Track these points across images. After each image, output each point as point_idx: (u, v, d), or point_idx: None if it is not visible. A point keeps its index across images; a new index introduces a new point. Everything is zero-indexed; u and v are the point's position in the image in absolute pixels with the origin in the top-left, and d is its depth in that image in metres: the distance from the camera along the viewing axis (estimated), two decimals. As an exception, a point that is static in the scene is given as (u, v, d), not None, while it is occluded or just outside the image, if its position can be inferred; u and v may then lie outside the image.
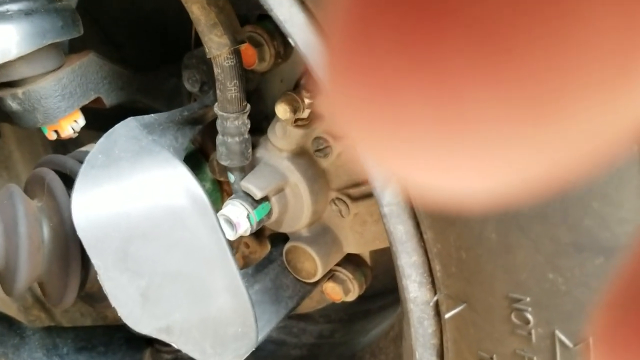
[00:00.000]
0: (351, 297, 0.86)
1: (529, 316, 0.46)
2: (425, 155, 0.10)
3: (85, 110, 0.76)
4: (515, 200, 0.11)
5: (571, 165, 0.10)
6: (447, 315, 0.51)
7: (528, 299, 0.45)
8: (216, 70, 0.63)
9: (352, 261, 0.85)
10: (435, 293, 0.53)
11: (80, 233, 0.58)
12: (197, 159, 0.85)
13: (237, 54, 0.62)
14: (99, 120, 0.79)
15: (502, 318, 0.48)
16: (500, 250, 0.45)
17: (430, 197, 0.11)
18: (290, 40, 0.48)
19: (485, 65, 0.09)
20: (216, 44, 0.61)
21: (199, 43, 0.68)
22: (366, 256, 0.86)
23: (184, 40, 0.84)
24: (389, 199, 0.51)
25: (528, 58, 0.09)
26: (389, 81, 0.10)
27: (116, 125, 0.62)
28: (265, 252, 0.89)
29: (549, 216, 0.41)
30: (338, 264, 0.83)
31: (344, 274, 0.84)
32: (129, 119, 0.63)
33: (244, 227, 0.70)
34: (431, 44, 0.09)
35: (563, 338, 0.44)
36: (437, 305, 0.53)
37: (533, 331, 0.46)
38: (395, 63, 0.10)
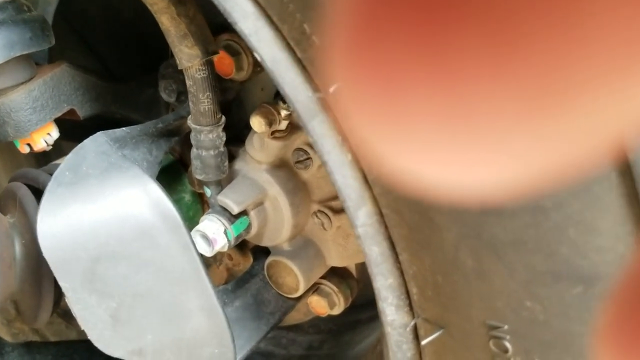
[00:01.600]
0: (337, 310, 0.84)
1: (508, 344, 0.44)
2: (431, 150, 0.11)
3: (66, 121, 0.74)
4: (519, 194, 0.11)
5: (575, 161, 0.10)
6: (424, 341, 0.49)
7: (506, 326, 0.43)
8: (188, 83, 0.61)
9: (337, 273, 0.83)
10: (413, 316, 0.51)
11: (46, 254, 0.56)
12: (177, 170, 0.83)
13: (209, 65, 0.60)
14: (79, 131, 0.77)
15: (480, 345, 0.45)
16: (475, 275, 0.43)
17: (437, 190, 0.11)
18: (257, 55, 0.46)
19: (490, 58, 0.09)
20: (187, 56, 0.59)
21: (175, 52, 0.66)
22: (352, 268, 0.84)
23: (162, 49, 0.81)
24: (363, 220, 0.49)
25: (534, 52, 0.09)
26: (395, 75, 0.10)
27: (85, 140, 0.60)
28: (249, 264, 0.87)
29: (525, 243, 0.39)
30: (323, 277, 0.81)
31: (329, 287, 0.82)
32: (99, 133, 0.61)
33: (221, 243, 0.68)
34: (437, 38, 0.10)
35: (542, 368, 0.42)
36: (415, 330, 0.51)
37: (512, 360, 0.44)
38: (401, 57, 0.10)
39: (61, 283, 0.57)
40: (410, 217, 0.45)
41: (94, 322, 0.58)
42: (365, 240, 0.49)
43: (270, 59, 0.45)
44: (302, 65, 0.44)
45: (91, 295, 0.57)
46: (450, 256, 0.43)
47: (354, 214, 0.49)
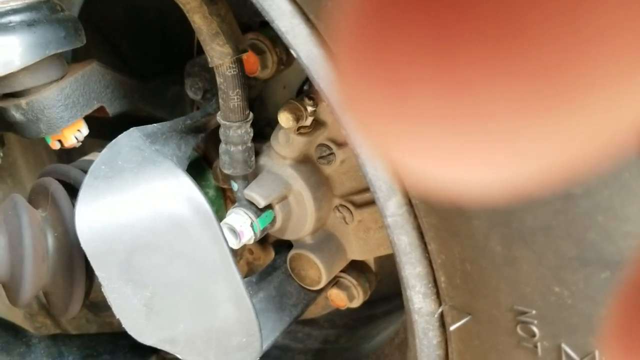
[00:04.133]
0: (356, 303, 0.86)
1: (535, 329, 0.46)
2: (438, 148, 0.11)
3: (90, 119, 0.76)
4: (525, 192, 0.11)
5: (582, 159, 0.10)
6: (452, 327, 0.51)
7: (533, 311, 0.45)
8: (218, 80, 0.63)
9: (356, 267, 0.85)
10: (440, 304, 0.53)
11: (84, 245, 0.58)
12: (201, 166, 0.85)
13: (239, 62, 0.62)
14: (104, 128, 0.79)
15: (507, 331, 0.47)
16: (504, 262, 0.45)
17: (444, 190, 0.11)
18: (292, 52, 0.48)
19: (497, 58, 0.09)
20: (218, 53, 0.61)
21: (201, 51, 0.68)
22: (371, 262, 0.86)
23: (186, 48, 0.83)
24: (393, 210, 0.51)
25: (540, 51, 0.09)
26: (402, 75, 0.10)
27: (119, 136, 0.62)
28: (269, 259, 0.89)
29: (553, 229, 0.41)
30: (342, 270, 0.83)
31: (349, 280, 0.84)
32: (132, 129, 0.63)
33: (248, 236, 0.70)
34: (443, 38, 0.10)
35: (569, 351, 0.44)
36: (442, 317, 0.53)
37: (539, 344, 0.46)
38: (408, 57, 0.10)
39: (98, 273, 0.59)
40: (441, 207, 0.47)
41: (128, 311, 0.60)
42: (394, 229, 0.51)
43: (306, 55, 0.47)
44: (338, 62, 0.46)
45: (127, 285, 0.59)
46: (480, 244, 0.45)
47: (384, 204, 0.51)
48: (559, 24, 0.09)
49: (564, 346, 0.44)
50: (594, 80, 0.09)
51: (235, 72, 0.62)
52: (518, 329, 0.47)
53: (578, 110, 0.10)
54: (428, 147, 0.11)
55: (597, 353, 0.43)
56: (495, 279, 0.46)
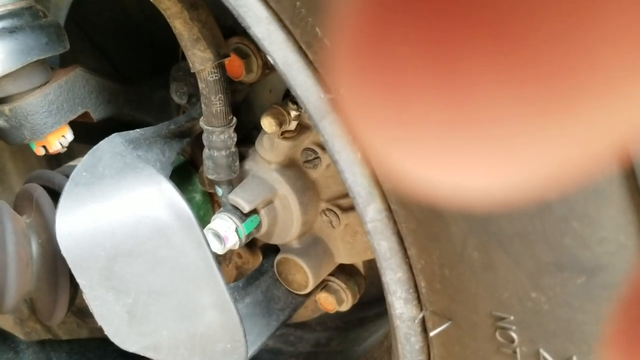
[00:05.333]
0: (345, 307, 0.85)
1: (514, 334, 0.45)
2: (438, 154, 0.11)
3: (78, 124, 0.76)
4: (525, 197, 0.11)
5: (581, 164, 0.10)
6: (432, 333, 0.51)
7: (512, 317, 0.45)
8: (200, 85, 0.63)
9: (345, 271, 0.85)
10: (421, 309, 0.52)
11: (65, 252, 0.58)
12: (188, 170, 0.84)
13: (221, 67, 0.62)
14: (92, 134, 0.79)
15: (486, 336, 0.47)
16: (482, 268, 0.44)
17: (445, 194, 0.11)
18: (269, 58, 0.47)
19: (498, 64, 0.09)
20: (199, 59, 0.61)
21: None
22: (360, 265, 0.86)
23: (173, 52, 0.83)
24: (372, 215, 0.50)
25: (541, 57, 0.09)
26: (402, 80, 0.10)
27: (100, 142, 0.62)
28: (258, 262, 0.89)
29: (530, 234, 0.41)
30: (331, 274, 0.83)
31: (337, 283, 0.84)
32: (114, 135, 0.63)
33: (233, 241, 0.69)
34: (445, 43, 0.10)
35: (548, 357, 0.44)
36: (423, 322, 0.53)
37: (518, 350, 0.45)
38: (409, 62, 0.10)
39: (79, 280, 0.58)
40: (419, 212, 0.47)
41: (110, 318, 0.60)
42: (374, 235, 0.51)
43: (283, 61, 0.47)
44: (314, 67, 0.46)
45: (108, 292, 0.59)
46: (457, 249, 0.45)
47: (364, 210, 0.50)
48: (560, 29, 0.09)
49: (542, 352, 0.44)
50: (594, 86, 0.09)
51: (217, 78, 0.61)
52: (497, 334, 0.46)
53: (578, 116, 0.10)
54: (429, 152, 0.11)
55: (574, 358, 0.43)
56: (474, 284, 0.46)
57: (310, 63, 0.46)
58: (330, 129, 0.48)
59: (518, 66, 0.09)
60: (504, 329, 0.46)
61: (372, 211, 0.50)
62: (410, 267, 0.51)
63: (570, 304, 0.41)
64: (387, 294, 0.53)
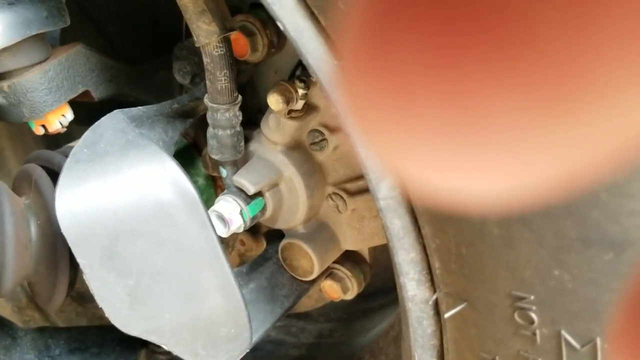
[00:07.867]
0: (350, 295, 0.83)
1: (534, 315, 0.43)
2: (441, 157, 0.11)
3: (78, 104, 0.74)
4: (530, 201, 0.11)
5: (586, 167, 0.10)
6: (446, 315, 0.49)
7: (532, 297, 0.43)
8: (205, 60, 0.60)
9: (350, 258, 0.83)
10: (434, 291, 0.50)
11: (65, 231, 0.56)
12: (190, 153, 0.82)
13: (226, 42, 0.60)
14: (91, 115, 0.77)
15: (504, 317, 0.45)
16: (502, 245, 0.42)
17: (447, 198, 0.11)
18: (279, 24, 0.45)
19: (501, 68, 0.09)
20: (204, 32, 0.58)
21: (190, 34, 0.66)
22: (365, 253, 0.84)
23: (175, 31, 0.81)
24: (385, 193, 0.49)
25: (545, 61, 0.09)
26: (407, 83, 0.10)
27: (102, 118, 0.60)
28: (261, 250, 0.87)
29: (554, 209, 0.39)
30: (336, 262, 0.81)
31: (343, 271, 0.82)
32: (116, 111, 0.61)
33: (237, 224, 0.67)
34: (448, 47, 0.10)
35: (569, 339, 0.42)
36: (436, 304, 0.51)
37: (538, 331, 0.43)
38: (413, 65, 0.10)
39: (79, 260, 0.56)
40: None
41: (111, 300, 0.58)
42: (387, 213, 0.49)
43: (294, 28, 0.45)
44: (326, 34, 0.44)
45: (109, 273, 0.57)
46: (476, 226, 0.43)
47: (376, 186, 0.48)
48: (565, 33, 0.09)
49: (564, 333, 0.42)
50: (600, 89, 0.09)
51: (222, 52, 0.59)
52: (516, 315, 0.44)
53: (584, 119, 0.10)
54: (432, 155, 0.11)
55: (598, 340, 0.41)
56: (493, 263, 0.44)
57: (322, 29, 0.44)
58: (344, 101, 0.46)
59: (523, 70, 0.09)
60: (524, 310, 0.44)
61: (385, 188, 0.48)
62: (424, 247, 0.49)
63: (596, 282, 0.39)
64: (399, 275, 0.51)
